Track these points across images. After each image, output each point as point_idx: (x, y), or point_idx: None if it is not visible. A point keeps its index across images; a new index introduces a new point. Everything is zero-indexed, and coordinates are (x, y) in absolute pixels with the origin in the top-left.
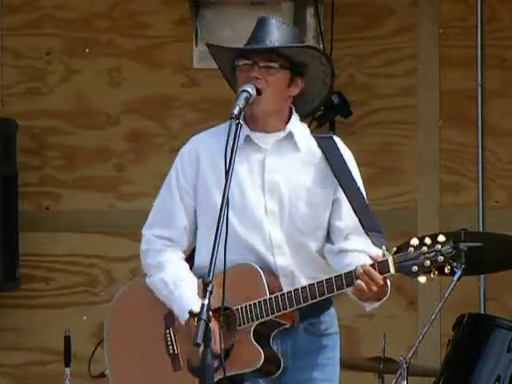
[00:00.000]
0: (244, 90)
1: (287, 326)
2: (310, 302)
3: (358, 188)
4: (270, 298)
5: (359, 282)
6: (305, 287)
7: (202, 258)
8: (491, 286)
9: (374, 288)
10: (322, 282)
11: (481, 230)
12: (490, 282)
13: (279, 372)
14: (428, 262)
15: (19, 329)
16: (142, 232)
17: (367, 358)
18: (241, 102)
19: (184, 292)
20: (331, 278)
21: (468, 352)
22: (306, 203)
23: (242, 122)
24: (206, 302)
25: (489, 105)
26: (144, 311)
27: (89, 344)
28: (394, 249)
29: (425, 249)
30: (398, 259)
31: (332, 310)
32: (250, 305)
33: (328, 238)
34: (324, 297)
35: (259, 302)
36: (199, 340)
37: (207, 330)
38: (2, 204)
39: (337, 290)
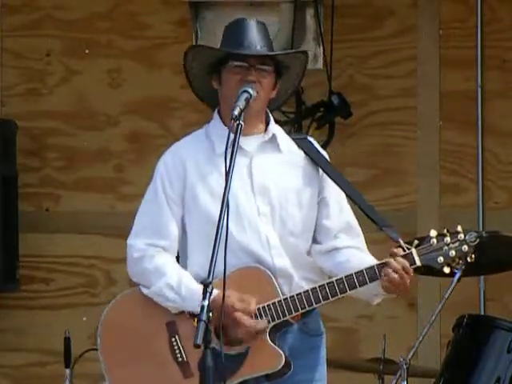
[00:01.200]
0: (245, 91)
1: (294, 325)
2: (331, 300)
3: (352, 185)
4: (285, 299)
5: (395, 275)
6: (323, 285)
7: (196, 265)
8: (491, 287)
9: (407, 280)
10: (341, 278)
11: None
12: (490, 282)
13: (290, 372)
14: (453, 252)
15: (19, 330)
16: (128, 243)
17: (367, 359)
18: (241, 103)
19: (197, 287)
20: (351, 275)
21: (468, 353)
22: (295, 205)
23: (242, 123)
24: (206, 303)
25: (489, 106)
26: (140, 323)
27: (89, 345)
28: (416, 242)
29: (447, 239)
30: (420, 251)
31: (317, 310)
32: (263, 306)
33: (314, 239)
34: (345, 294)
35: (273, 303)
36: (199, 341)
37: (207, 331)
38: (2, 205)
39: (359, 285)
